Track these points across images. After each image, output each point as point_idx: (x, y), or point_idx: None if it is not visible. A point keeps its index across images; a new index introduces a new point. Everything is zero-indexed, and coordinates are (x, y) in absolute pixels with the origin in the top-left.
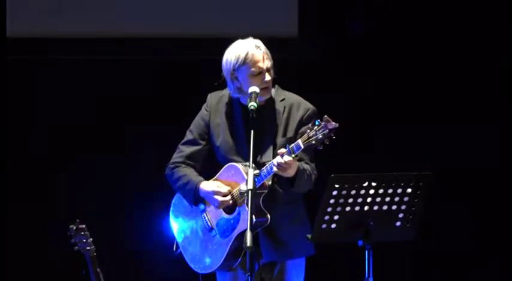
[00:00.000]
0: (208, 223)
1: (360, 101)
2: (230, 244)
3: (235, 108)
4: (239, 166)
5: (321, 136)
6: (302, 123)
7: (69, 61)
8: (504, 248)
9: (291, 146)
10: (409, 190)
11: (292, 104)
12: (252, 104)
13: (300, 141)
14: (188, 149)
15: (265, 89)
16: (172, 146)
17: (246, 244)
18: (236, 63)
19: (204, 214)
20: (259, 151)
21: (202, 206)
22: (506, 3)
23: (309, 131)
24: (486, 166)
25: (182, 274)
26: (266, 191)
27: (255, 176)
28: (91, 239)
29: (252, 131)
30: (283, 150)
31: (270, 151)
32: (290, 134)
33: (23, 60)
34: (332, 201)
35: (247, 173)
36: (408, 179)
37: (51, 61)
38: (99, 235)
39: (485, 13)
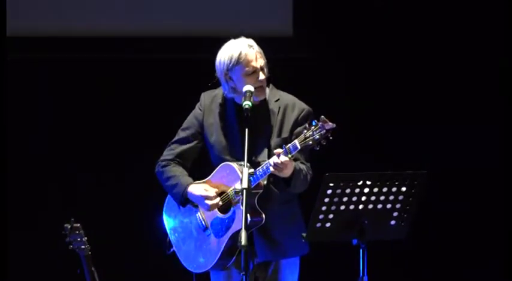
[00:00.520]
0: (203, 222)
1: (355, 101)
2: (224, 243)
3: (229, 108)
4: (234, 165)
5: (317, 136)
6: (297, 123)
7: (69, 60)
8: (504, 248)
9: (287, 146)
10: (404, 189)
11: (287, 104)
12: (247, 103)
13: (296, 141)
14: (179, 148)
15: (259, 88)
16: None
17: (240, 242)
18: (230, 64)
19: (198, 213)
20: (254, 150)
21: (195, 205)
22: (506, 3)
23: (305, 131)
24: (486, 165)
25: (175, 273)
26: (261, 191)
27: (250, 175)
28: (86, 238)
29: (247, 130)
30: (279, 150)
31: (265, 151)
32: (285, 134)
33: (24, 60)
34: (327, 200)
35: (242, 173)
36: (403, 178)
37: (51, 60)
38: (97, 235)
39: (485, 13)
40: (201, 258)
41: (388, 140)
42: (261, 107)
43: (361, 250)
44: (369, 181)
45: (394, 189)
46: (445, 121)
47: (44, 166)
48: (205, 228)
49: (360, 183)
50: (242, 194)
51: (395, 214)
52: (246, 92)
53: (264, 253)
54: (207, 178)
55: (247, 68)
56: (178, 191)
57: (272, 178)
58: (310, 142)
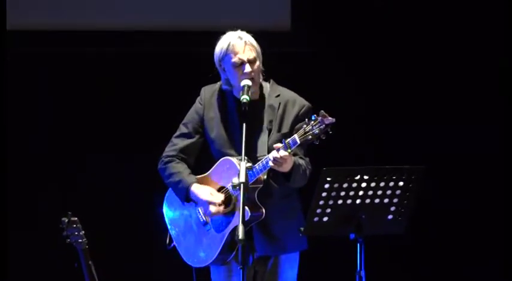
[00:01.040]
0: (203, 217)
1: (354, 95)
2: (225, 238)
3: (229, 102)
4: (234, 160)
5: (317, 131)
6: (297, 119)
7: (69, 54)
8: (504, 245)
9: (287, 141)
10: (401, 183)
11: (287, 100)
12: (245, 97)
13: (296, 136)
14: (182, 142)
15: (249, 80)
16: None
17: (238, 237)
18: (220, 54)
19: (199, 208)
20: (254, 145)
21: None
22: (506, 3)
23: (305, 126)
24: (486, 163)
25: (175, 268)
26: (261, 185)
27: (248, 169)
28: (83, 231)
29: (244, 124)
30: (279, 145)
31: (265, 145)
32: (285, 129)
33: (23, 53)
34: (324, 194)
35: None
36: (400, 172)
37: (51, 54)
38: (97, 231)
39: (485, 13)
40: (201, 253)
41: (387, 135)
42: (261, 102)
43: (358, 245)
44: (366, 175)
45: (391, 184)
46: (445, 117)
47: (43, 162)
48: (206, 223)
49: (357, 177)
50: (240, 189)
51: (392, 208)
52: (243, 86)
53: (263, 248)
54: (207, 172)
55: (233, 60)
56: (182, 188)
57: (272, 172)
58: (310, 137)
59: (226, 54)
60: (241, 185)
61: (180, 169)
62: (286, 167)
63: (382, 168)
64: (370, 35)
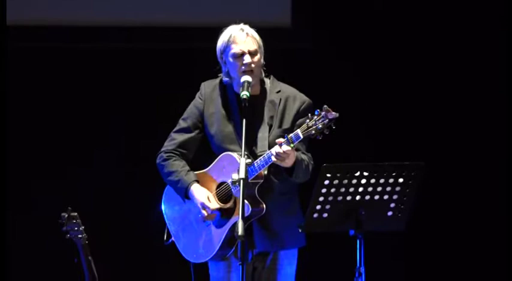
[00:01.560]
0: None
1: (354, 91)
2: (224, 234)
3: (230, 97)
4: (235, 155)
5: (320, 126)
6: (298, 115)
7: (68, 49)
8: (504, 241)
9: (289, 136)
10: (401, 180)
11: (288, 96)
12: (245, 93)
13: (299, 131)
14: (181, 137)
15: (249, 72)
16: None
17: (237, 233)
18: (222, 46)
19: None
20: (255, 141)
21: None
22: (506, 3)
23: (308, 121)
24: (486, 162)
25: (173, 264)
26: (262, 181)
27: (247, 165)
28: (83, 227)
29: (244, 120)
30: (281, 139)
31: (266, 141)
32: (286, 125)
33: (23, 48)
34: (324, 190)
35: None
36: (400, 169)
37: (50, 49)
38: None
39: (486, 13)
40: (200, 248)
41: (386, 131)
42: (262, 98)
43: (358, 241)
44: (366, 171)
45: (391, 180)
46: (445, 114)
47: (43, 157)
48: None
49: (357, 174)
50: (239, 185)
51: (392, 205)
52: (243, 82)
53: (262, 244)
54: (208, 168)
55: (234, 51)
56: (181, 189)
57: (273, 168)
58: (313, 132)
59: (227, 45)
60: (241, 181)
61: (178, 167)
62: (288, 162)
63: (381, 164)
64: (370, 31)
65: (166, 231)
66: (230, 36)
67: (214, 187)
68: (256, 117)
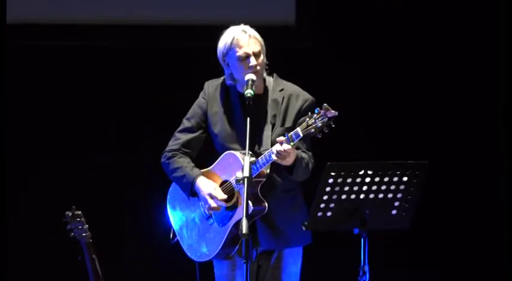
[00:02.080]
0: (206, 211)
1: (357, 90)
2: (228, 232)
3: (233, 96)
4: (237, 154)
5: (320, 124)
6: (301, 113)
7: (68, 47)
8: (505, 239)
9: (290, 134)
10: (405, 179)
11: (291, 94)
12: (249, 92)
13: (299, 129)
14: (185, 137)
15: (254, 73)
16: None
17: (241, 231)
18: (224, 49)
19: (202, 202)
20: (257, 139)
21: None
22: (506, 3)
23: (308, 119)
24: (487, 161)
25: (178, 262)
26: (264, 179)
27: (252, 163)
28: (87, 225)
29: (248, 119)
30: (282, 138)
31: (268, 139)
32: (288, 123)
33: (23, 47)
34: (328, 189)
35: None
36: (404, 167)
37: (51, 47)
38: (98, 225)
39: (486, 12)
40: (204, 247)
41: (390, 130)
42: (265, 96)
43: (362, 240)
44: (370, 170)
45: (395, 179)
46: (447, 113)
47: (45, 156)
48: (209, 217)
49: (361, 172)
50: (243, 183)
51: (396, 203)
52: (247, 80)
53: (267, 242)
54: (211, 166)
55: (238, 53)
56: (187, 182)
57: (274, 166)
58: (313, 130)
59: (231, 48)
60: (245, 179)
61: (183, 163)
62: (289, 161)
63: (386, 163)
64: (373, 30)
65: (172, 230)
66: (233, 38)
67: (217, 185)
68: (259, 116)
